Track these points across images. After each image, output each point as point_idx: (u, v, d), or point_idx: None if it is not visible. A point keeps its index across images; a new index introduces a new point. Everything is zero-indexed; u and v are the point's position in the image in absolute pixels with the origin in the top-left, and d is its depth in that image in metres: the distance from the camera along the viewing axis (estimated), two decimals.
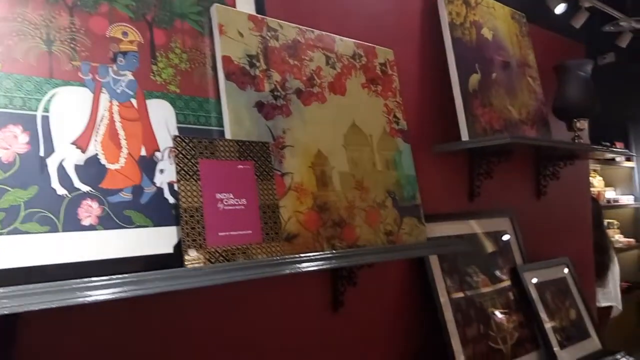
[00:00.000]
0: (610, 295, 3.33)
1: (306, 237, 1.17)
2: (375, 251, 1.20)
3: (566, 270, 2.05)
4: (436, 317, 1.55)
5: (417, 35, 1.74)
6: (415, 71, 1.71)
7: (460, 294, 1.64)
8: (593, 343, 1.95)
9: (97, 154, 0.95)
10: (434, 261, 1.61)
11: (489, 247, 1.84)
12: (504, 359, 1.65)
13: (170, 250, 0.97)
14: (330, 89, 1.31)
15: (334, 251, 1.13)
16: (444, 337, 1.52)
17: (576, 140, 1.94)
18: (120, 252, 0.93)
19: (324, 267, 1.06)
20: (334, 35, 1.37)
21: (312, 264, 1.04)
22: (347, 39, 1.40)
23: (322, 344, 1.39)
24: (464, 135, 1.65)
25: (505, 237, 1.91)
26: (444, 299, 1.58)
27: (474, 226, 1.83)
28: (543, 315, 1.82)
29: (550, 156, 2.06)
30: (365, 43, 1.45)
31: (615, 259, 3.46)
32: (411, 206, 1.44)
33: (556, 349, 1.78)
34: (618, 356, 1.96)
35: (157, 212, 0.98)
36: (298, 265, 1.01)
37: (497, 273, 1.81)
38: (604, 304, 3.29)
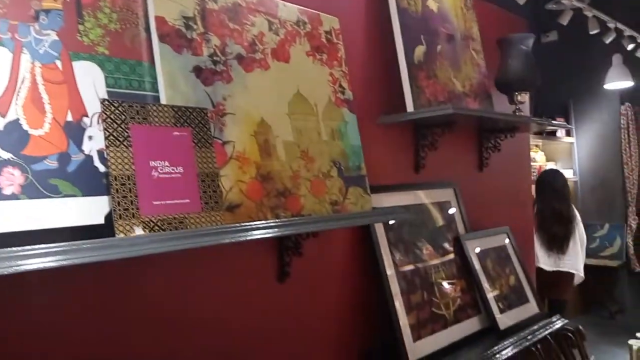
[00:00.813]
0: (567, 263, 3.52)
1: (249, 207, 1.14)
2: (319, 219, 1.19)
3: (506, 239, 2.13)
4: (382, 286, 1.57)
5: (362, 4, 1.72)
6: (361, 41, 1.69)
7: (406, 264, 1.67)
8: (531, 307, 2.05)
9: (18, 119, 0.88)
10: (379, 231, 1.63)
11: (435, 219, 1.88)
12: (446, 324, 1.70)
13: (101, 220, 0.92)
14: (273, 56, 1.28)
15: (276, 220, 1.12)
16: (389, 305, 1.55)
17: (517, 113, 2.00)
18: (47, 222, 0.88)
19: (266, 235, 1.05)
20: (277, 0, 1.33)
21: (253, 232, 1.02)
22: (291, 4, 1.36)
23: (269, 315, 1.38)
24: (409, 107, 1.65)
25: (451, 210, 1.95)
26: (389, 268, 1.60)
27: (420, 197, 1.86)
28: (484, 282, 1.88)
29: (492, 129, 2.11)
30: (310, 10, 1.42)
31: (581, 230, 3.66)
32: (357, 176, 1.44)
33: (497, 314, 1.85)
34: (554, 319, 2.07)
35: (86, 181, 0.92)
36: (239, 235, 0.99)
37: (442, 244, 1.85)
38: (562, 269, 3.49)
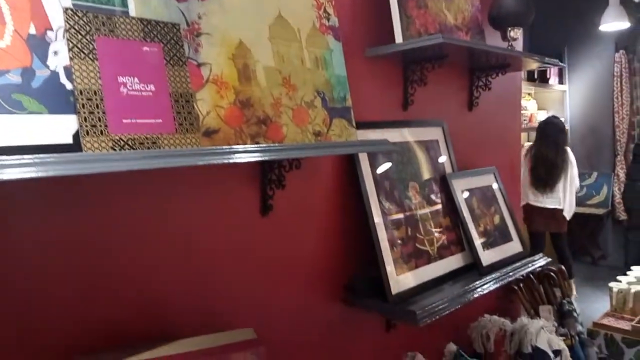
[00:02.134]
0: (554, 201, 4.01)
1: (228, 134, 1.10)
2: (302, 146, 1.16)
3: (493, 179, 2.12)
4: (365, 220, 1.56)
5: None
6: None
7: (391, 201, 1.66)
8: (515, 246, 2.06)
9: None
10: (365, 167, 1.60)
11: (422, 158, 1.85)
12: (430, 259, 1.71)
13: (69, 140, 0.88)
14: None
15: (256, 145, 1.08)
16: (373, 240, 1.55)
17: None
18: (12, 139, 0.83)
19: (245, 160, 1.02)
20: None
21: (232, 156, 0.99)
22: None
23: (252, 247, 1.37)
24: (398, 38, 1.59)
25: (441, 159, 1.92)
26: (374, 204, 1.59)
27: (407, 135, 1.83)
28: (469, 220, 1.89)
29: (483, 66, 2.06)
30: None
31: (572, 173, 4.08)
32: (341, 108, 1.40)
33: (480, 251, 1.87)
34: (536, 257, 2.09)
35: (53, 98, 0.87)
36: (216, 157, 0.96)
37: (429, 182, 1.84)
38: (548, 205, 3.99)
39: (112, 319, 1.10)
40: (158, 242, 1.17)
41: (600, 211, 5.25)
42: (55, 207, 1.01)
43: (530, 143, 4.05)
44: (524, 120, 4.97)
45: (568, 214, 4.05)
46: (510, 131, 2.40)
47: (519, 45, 2.20)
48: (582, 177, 5.40)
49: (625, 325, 3.10)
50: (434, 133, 1.95)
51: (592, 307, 3.97)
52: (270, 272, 1.42)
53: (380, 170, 1.66)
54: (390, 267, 1.57)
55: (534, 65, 2.07)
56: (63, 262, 1.03)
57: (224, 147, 0.98)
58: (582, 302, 4.05)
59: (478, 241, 1.88)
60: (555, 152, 3.89)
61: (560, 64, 2.05)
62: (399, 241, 1.64)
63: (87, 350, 1.05)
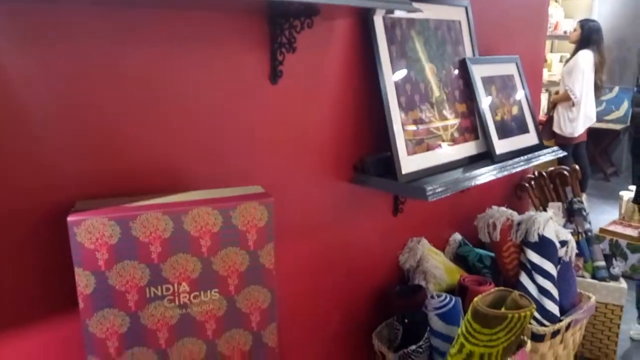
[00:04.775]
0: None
1: None
2: None
3: (514, 69, 2.03)
4: (378, 98, 1.50)
5: None
6: None
7: (406, 80, 1.58)
8: (531, 137, 2.01)
9: None
10: (380, 37, 1.51)
11: (442, 38, 1.75)
12: (442, 144, 1.66)
13: None
14: None
15: None
16: (386, 116, 1.49)
17: None
18: None
19: None
20: None
21: None
22: None
23: (261, 115, 1.33)
24: None
25: (462, 42, 1.80)
26: (387, 78, 1.52)
27: (427, 12, 1.71)
28: (485, 108, 1.82)
29: None
30: None
31: None
32: None
33: (494, 139, 1.81)
34: (549, 150, 2.04)
35: None
36: None
37: (447, 64, 1.75)
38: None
39: (118, 169, 1.08)
40: (165, 95, 1.13)
41: (618, 127, 5.13)
42: (62, 45, 0.96)
43: (588, 51, 3.83)
44: (549, 27, 4.72)
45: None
46: (536, 20, 2.25)
47: None
48: (602, 91, 5.23)
49: (631, 232, 3.12)
50: (456, 13, 1.83)
51: (599, 218, 3.98)
52: (278, 141, 1.38)
53: (397, 45, 1.57)
54: (401, 147, 1.53)
55: None
56: (70, 103, 0.99)
57: None
58: (590, 214, 4.07)
59: (493, 129, 1.82)
60: (604, 56, 3.92)
61: None
62: (412, 122, 1.58)
63: (91, 198, 1.04)
